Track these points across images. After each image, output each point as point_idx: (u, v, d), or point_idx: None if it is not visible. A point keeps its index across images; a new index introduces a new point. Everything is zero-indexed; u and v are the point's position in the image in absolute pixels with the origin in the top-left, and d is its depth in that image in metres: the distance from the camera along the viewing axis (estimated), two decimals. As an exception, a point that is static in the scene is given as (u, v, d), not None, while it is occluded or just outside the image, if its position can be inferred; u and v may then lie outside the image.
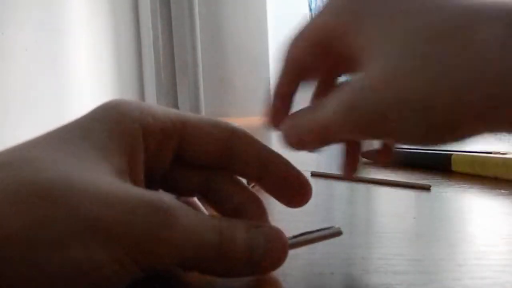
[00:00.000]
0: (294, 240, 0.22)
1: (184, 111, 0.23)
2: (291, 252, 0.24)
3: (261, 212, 0.23)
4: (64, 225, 0.16)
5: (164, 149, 0.21)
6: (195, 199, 0.24)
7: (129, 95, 1.06)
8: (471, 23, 0.17)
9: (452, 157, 0.43)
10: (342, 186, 0.40)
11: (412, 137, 0.18)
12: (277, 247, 0.20)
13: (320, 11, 0.22)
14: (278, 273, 0.22)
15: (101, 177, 0.18)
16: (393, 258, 0.23)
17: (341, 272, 0.22)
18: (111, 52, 0.95)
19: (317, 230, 0.22)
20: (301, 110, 0.22)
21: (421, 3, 0.18)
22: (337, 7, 0.21)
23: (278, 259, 0.20)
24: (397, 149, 0.48)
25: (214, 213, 0.24)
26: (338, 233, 0.23)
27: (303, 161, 0.47)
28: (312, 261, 0.23)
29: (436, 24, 0.17)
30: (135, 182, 0.20)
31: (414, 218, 0.31)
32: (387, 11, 0.19)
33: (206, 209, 0.24)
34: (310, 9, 1.11)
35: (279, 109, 0.24)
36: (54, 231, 0.16)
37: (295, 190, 0.23)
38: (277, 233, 0.20)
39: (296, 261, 0.23)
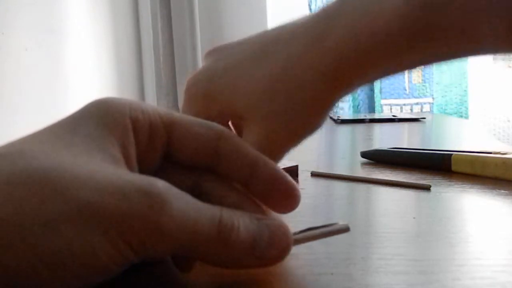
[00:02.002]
0: (300, 235, 0.21)
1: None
2: (292, 251, 0.24)
3: (258, 210, 0.23)
4: (56, 208, 0.16)
5: (153, 145, 0.22)
6: None
7: (129, 95, 1.06)
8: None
9: (452, 157, 0.43)
10: (342, 186, 0.40)
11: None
12: (281, 239, 0.20)
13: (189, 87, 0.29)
14: (278, 274, 0.22)
15: (93, 164, 0.18)
16: (393, 258, 0.23)
17: (341, 272, 0.22)
18: (111, 52, 0.95)
19: (323, 226, 0.22)
20: None
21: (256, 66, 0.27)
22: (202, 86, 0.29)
23: (282, 251, 0.20)
24: (397, 149, 0.48)
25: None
26: (345, 229, 0.22)
27: (303, 161, 0.47)
28: (312, 261, 0.23)
29: (273, 78, 0.26)
30: (130, 170, 0.20)
31: (414, 218, 0.31)
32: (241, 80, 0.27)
33: None
34: (310, 9, 1.11)
35: None
36: (46, 214, 0.16)
37: (282, 194, 0.23)
38: (281, 225, 0.20)
39: (296, 261, 0.23)
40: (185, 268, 0.22)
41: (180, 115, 0.23)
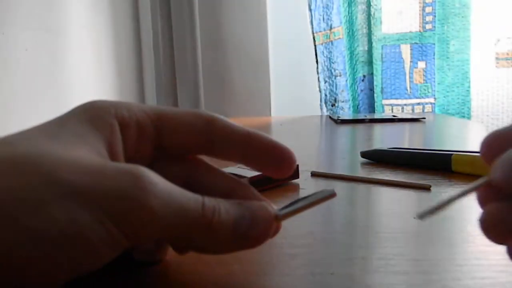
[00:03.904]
0: (287, 209, 0.21)
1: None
2: (291, 252, 0.24)
3: (250, 194, 0.23)
4: (44, 189, 0.17)
5: (143, 141, 0.22)
6: None
7: (129, 95, 1.06)
8: None
9: (452, 157, 0.43)
10: (342, 186, 0.40)
11: None
12: (262, 219, 0.20)
13: None
14: (278, 274, 0.22)
15: (78, 152, 0.18)
16: (393, 258, 0.23)
17: (341, 272, 0.22)
18: (111, 52, 0.95)
19: (309, 196, 0.22)
20: None
21: None
22: None
23: (265, 230, 0.20)
24: (397, 149, 0.48)
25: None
26: (331, 195, 0.22)
27: (303, 161, 0.47)
28: (312, 261, 0.23)
29: None
30: None
31: (414, 218, 0.31)
32: None
33: None
34: (310, 10, 1.11)
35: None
36: (34, 194, 0.16)
37: (278, 159, 0.23)
38: (262, 205, 0.21)
39: (296, 261, 0.23)
40: (181, 250, 0.22)
41: (168, 107, 0.23)
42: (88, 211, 0.17)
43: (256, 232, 0.20)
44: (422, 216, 0.19)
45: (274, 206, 0.22)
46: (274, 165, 0.23)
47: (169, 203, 0.18)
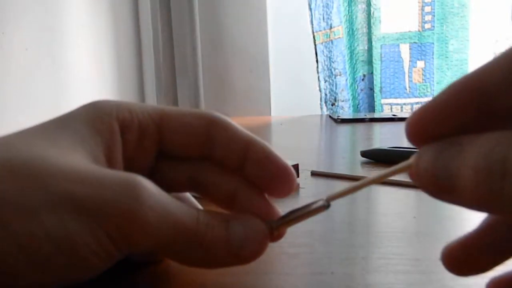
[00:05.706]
0: (281, 221, 0.21)
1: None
2: (291, 251, 0.24)
3: (254, 193, 0.22)
4: (37, 196, 0.16)
5: (145, 142, 0.22)
6: (188, 194, 0.24)
7: (129, 95, 1.06)
8: None
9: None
10: (342, 186, 0.40)
11: None
12: (256, 235, 0.20)
13: None
14: (278, 273, 0.22)
15: (75, 159, 0.18)
16: (393, 258, 0.23)
17: (341, 272, 0.22)
18: (111, 52, 0.95)
19: (304, 207, 0.21)
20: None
21: None
22: None
23: (257, 247, 0.20)
24: (397, 149, 0.48)
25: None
26: (324, 206, 0.21)
27: (303, 161, 0.47)
28: (312, 261, 0.23)
29: None
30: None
31: (414, 217, 0.31)
32: None
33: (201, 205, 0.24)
34: (310, 9, 1.11)
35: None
36: (28, 201, 0.16)
37: (275, 173, 0.22)
38: (256, 222, 0.20)
39: (296, 261, 0.23)
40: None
41: (170, 107, 0.23)
42: (80, 221, 0.16)
43: (249, 249, 0.20)
44: (330, 199, 0.20)
45: (278, 207, 0.22)
46: (270, 181, 0.22)
47: (164, 216, 0.18)
